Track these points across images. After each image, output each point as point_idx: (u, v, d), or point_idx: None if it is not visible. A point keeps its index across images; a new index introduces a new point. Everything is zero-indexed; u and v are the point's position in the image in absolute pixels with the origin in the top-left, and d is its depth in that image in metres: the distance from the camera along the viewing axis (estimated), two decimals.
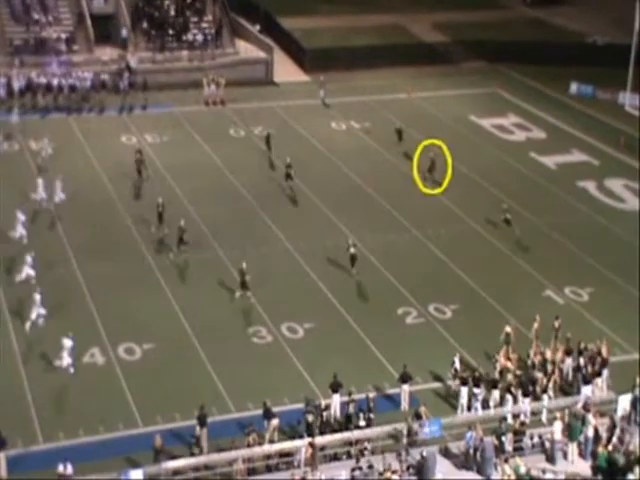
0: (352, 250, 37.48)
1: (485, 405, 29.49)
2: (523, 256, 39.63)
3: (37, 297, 33.04)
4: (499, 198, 45.12)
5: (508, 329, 32.10)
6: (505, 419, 28.29)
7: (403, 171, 47.95)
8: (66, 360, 30.74)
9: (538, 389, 29.90)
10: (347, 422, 28.06)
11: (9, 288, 35.46)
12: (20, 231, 38.04)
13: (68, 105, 53.82)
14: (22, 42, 57.23)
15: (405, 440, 26.61)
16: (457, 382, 30.14)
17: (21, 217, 38.33)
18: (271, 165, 47.53)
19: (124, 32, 59.41)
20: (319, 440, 26.43)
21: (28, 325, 32.89)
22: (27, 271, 35.26)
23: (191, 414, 28.05)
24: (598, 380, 30.18)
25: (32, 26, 58.05)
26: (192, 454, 26.37)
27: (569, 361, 31.16)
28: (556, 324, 32.49)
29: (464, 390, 29.57)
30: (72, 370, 30.75)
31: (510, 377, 29.91)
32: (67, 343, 30.70)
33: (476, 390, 29.36)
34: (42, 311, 33.12)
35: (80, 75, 55.28)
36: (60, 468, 25.09)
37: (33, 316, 32.89)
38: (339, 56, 63.15)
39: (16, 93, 53.90)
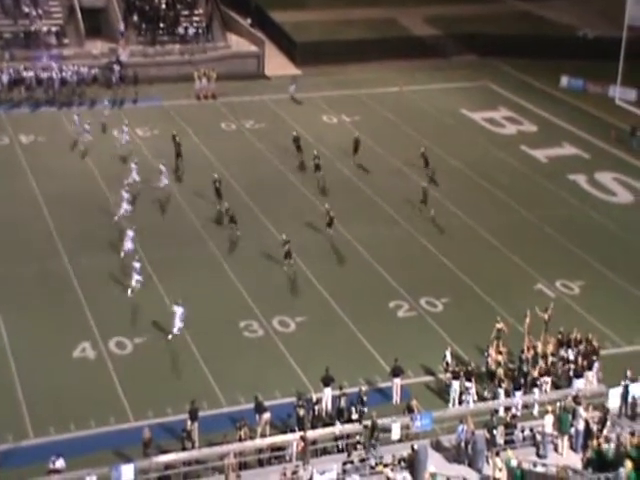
0: (330, 215, 39.00)
1: (479, 398, 29.53)
2: (514, 249, 39.66)
3: (136, 265, 35.09)
4: (489, 191, 45.24)
5: (499, 325, 32.08)
6: (496, 412, 28.31)
7: (394, 165, 47.95)
8: (177, 325, 32.24)
9: (529, 382, 29.99)
10: (339, 416, 28.04)
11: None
12: (125, 208, 40.33)
13: (59, 99, 53.65)
14: (12, 35, 56.99)
15: (369, 436, 26.41)
16: (448, 376, 30.18)
17: (125, 195, 40.66)
18: (301, 165, 46.86)
19: (122, 26, 59.08)
20: (311, 434, 26.42)
21: (130, 291, 34.81)
22: (128, 244, 36.99)
23: (182, 408, 28.00)
24: (589, 373, 30.25)
25: (22, 19, 57.79)
26: (184, 448, 26.33)
27: (561, 354, 31.21)
28: (546, 316, 32.51)
29: (455, 384, 29.61)
30: (178, 333, 32.23)
31: (501, 371, 29.96)
32: (178, 310, 32.23)
33: (467, 384, 29.40)
34: (140, 278, 34.97)
35: (72, 69, 55.06)
36: (51, 463, 25.03)
37: (133, 282, 34.90)
38: (330, 49, 63.06)
39: (5, 86, 53.66)
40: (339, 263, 37.99)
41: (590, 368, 30.34)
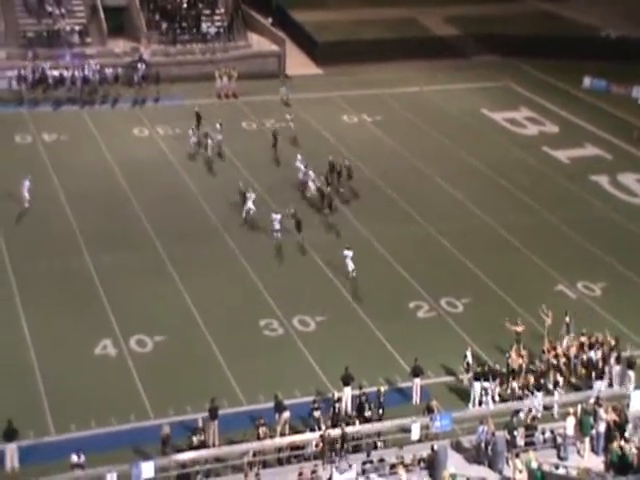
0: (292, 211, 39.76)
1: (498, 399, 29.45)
2: (535, 250, 39.50)
3: (276, 216, 38.96)
4: (510, 192, 45.09)
5: (518, 328, 31.91)
6: (517, 413, 28.15)
7: (415, 164, 47.92)
8: (350, 266, 36.10)
9: (550, 384, 29.87)
10: (359, 415, 27.92)
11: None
12: (311, 186, 43.30)
13: (82, 97, 53.91)
14: (35, 34, 57.32)
15: (339, 445, 26.10)
16: (469, 376, 30.07)
17: (302, 167, 43.95)
18: (276, 161, 47.18)
19: (163, 25, 59.49)
20: (330, 433, 26.38)
21: (275, 240, 38.63)
22: (250, 205, 40.56)
23: (202, 406, 28.06)
24: (630, 372, 29.99)
25: (45, 18, 58.13)
26: (192, 447, 26.09)
27: (582, 356, 31.08)
28: (566, 319, 32.32)
29: (477, 385, 29.51)
30: (354, 275, 36.16)
31: (523, 373, 29.86)
32: (348, 253, 36.28)
33: (486, 384, 29.31)
34: (278, 227, 38.74)
35: (94, 68, 55.29)
36: (74, 458, 25.17)
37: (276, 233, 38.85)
38: (351, 49, 63.05)
39: (28, 85, 53.90)
40: (359, 263, 37.89)
41: (631, 368, 30.11)
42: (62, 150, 47.57)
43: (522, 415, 28.18)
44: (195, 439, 26.31)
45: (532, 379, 29.55)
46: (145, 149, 48.35)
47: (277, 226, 39.05)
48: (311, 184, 43.26)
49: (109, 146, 48.13)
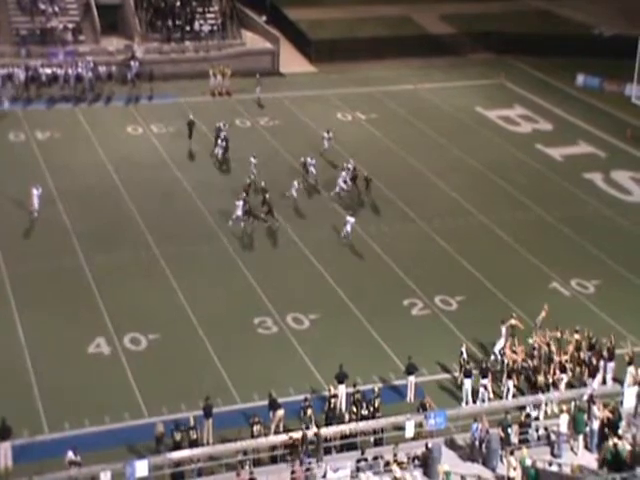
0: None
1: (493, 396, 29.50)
2: (529, 248, 39.54)
3: (238, 203, 39.76)
4: (505, 189, 45.13)
5: (513, 321, 32.00)
6: (522, 410, 28.12)
7: (409, 162, 47.93)
8: (347, 230, 38.58)
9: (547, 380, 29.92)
10: (356, 409, 27.86)
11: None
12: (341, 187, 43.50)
13: (75, 95, 53.82)
14: (28, 32, 57.22)
15: (302, 447, 26.02)
16: (461, 374, 30.10)
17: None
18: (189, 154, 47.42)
19: (157, 23, 59.31)
20: (324, 431, 26.38)
21: (230, 222, 39.47)
22: (238, 211, 40.13)
23: (196, 405, 28.06)
24: (630, 369, 29.91)
25: (38, 16, 58.03)
26: (175, 443, 26.07)
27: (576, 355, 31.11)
28: (558, 334, 31.98)
29: (467, 382, 29.54)
30: (347, 239, 38.43)
31: (517, 369, 29.90)
32: (350, 219, 38.34)
33: (483, 381, 29.33)
34: (240, 213, 39.57)
35: (87, 66, 55.16)
36: (71, 455, 25.11)
37: (234, 217, 39.63)
38: (345, 47, 63.09)
39: (21, 83, 53.76)
40: (353, 261, 37.94)
41: (611, 359, 30.12)
42: (55, 148, 47.47)
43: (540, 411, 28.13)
44: (178, 435, 26.24)
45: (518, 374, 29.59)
46: (139, 147, 48.29)
47: (239, 212, 39.58)
48: (342, 184, 42.98)
49: (103, 144, 48.05)
